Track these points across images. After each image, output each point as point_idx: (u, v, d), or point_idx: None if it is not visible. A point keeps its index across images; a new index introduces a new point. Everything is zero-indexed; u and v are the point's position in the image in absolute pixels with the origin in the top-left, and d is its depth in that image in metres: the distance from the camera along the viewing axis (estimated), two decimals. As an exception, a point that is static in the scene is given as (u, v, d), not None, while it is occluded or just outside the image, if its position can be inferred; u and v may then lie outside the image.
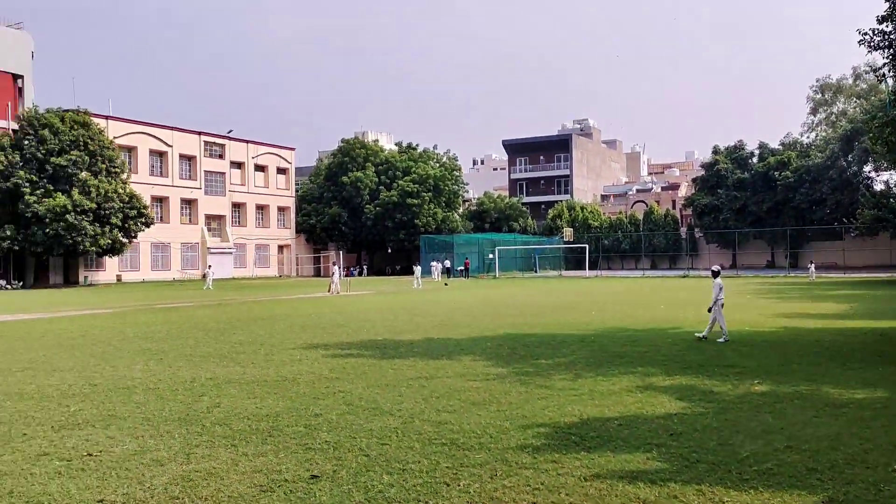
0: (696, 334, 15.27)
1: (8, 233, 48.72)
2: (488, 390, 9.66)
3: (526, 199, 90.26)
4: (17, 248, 49.63)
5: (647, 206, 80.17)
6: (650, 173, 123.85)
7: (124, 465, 6.33)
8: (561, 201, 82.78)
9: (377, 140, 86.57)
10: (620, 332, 16.72)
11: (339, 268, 41.62)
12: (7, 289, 49.38)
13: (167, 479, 5.99)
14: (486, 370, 11.32)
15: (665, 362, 11.92)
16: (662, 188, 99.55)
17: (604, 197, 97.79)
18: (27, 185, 48.88)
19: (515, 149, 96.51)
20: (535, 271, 69.30)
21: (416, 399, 9.14)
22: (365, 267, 77.70)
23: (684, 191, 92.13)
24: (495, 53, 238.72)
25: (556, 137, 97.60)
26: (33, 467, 6.30)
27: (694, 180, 76.03)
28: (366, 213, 73.71)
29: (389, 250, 77.86)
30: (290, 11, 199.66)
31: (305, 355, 13.29)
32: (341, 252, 67.04)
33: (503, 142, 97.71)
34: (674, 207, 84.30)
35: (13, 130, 52.23)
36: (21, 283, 52.39)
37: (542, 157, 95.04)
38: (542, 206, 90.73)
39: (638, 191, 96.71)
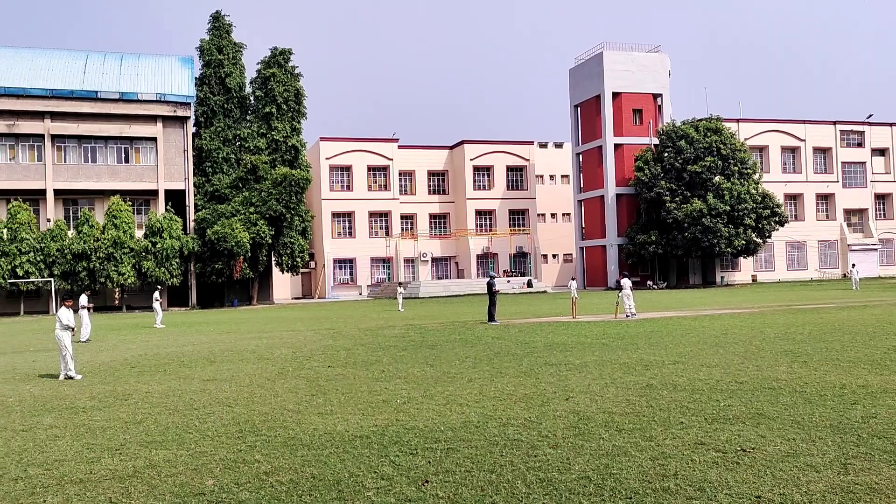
0: None
1: (653, 238, 54.79)
2: None
3: None
4: (660, 251, 55.34)
5: None
6: None
7: (778, 466, 6.30)
8: None
9: None
10: None
11: None
12: (653, 289, 55.08)
13: (824, 486, 5.72)
14: None
15: None
16: None
17: None
18: (667, 193, 54.10)
19: None
20: None
21: None
22: None
23: None
24: None
25: None
26: (693, 454, 6.79)
27: None
28: None
29: None
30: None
31: (984, 369, 11.09)
32: None
33: None
34: None
35: (654, 145, 58.29)
36: (665, 284, 57.84)
37: None
38: None
39: None
